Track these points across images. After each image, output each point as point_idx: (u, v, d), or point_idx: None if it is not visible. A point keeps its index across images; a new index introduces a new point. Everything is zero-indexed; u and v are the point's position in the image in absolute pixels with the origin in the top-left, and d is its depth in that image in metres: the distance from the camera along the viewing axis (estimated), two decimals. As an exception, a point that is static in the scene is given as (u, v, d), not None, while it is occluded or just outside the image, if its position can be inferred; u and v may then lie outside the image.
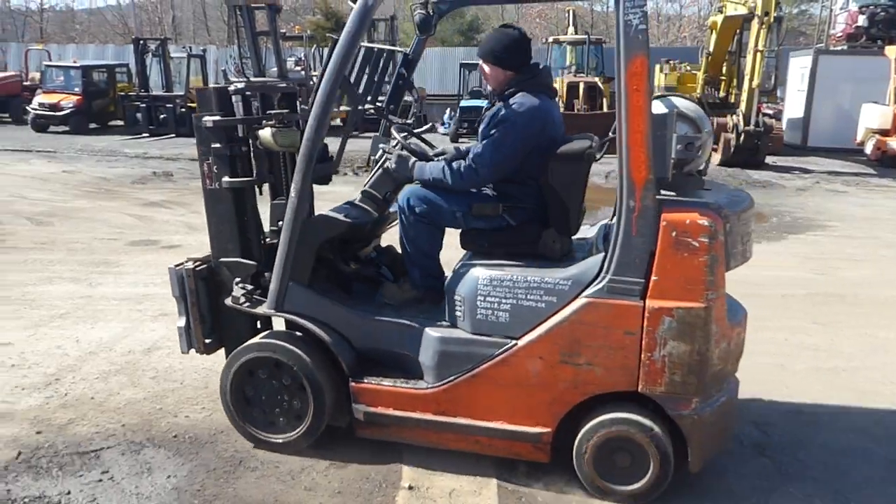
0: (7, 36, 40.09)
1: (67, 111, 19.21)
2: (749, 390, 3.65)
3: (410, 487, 3.06)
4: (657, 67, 19.17)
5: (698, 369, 2.79)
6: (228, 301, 3.30)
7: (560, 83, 17.64)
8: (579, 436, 2.95)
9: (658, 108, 2.84)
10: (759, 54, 13.12)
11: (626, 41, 2.67)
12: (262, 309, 3.22)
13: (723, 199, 2.88)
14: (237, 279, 3.33)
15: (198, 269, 3.34)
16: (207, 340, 3.43)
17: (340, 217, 3.19)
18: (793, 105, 18.90)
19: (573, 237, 3.19)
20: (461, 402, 3.05)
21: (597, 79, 18.00)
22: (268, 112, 3.22)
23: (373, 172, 3.36)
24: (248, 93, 3.31)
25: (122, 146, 16.52)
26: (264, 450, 3.29)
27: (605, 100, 17.33)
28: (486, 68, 3.21)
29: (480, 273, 2.99)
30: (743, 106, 13.87)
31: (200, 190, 3.41)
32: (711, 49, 16.74)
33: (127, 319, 5.05)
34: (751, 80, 13.47)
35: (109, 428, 3.48)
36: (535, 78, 3.16)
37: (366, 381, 3.15)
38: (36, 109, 19.36)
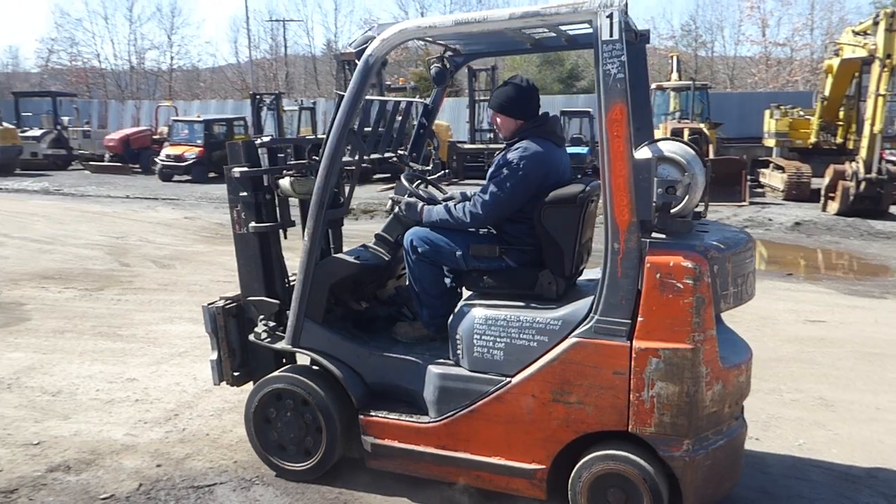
0: (141, 94, 43.89)
1: (190, 161, 20.54)
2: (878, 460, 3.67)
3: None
4: (766, 113, 18.75)
5: (688, 411, 2.80)
6: (252, 337, 3.57)
7: (663, 129, 17.13)
8: (573, 472, 2.99)
9: (643, 153, 2.91)
10: (880, 98, 12.52)
11: (605, 90, 2.77)
12: (281, 344, 3.46)
13: (714, 240, 2.90)
14: (261, 316, 3.59)
15: (227, 307, 3.63)
16: (236, 373, 3.70)
17: (350, 259, 3.41)
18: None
19: (577, 278, 3.28)
20: (461, 436, 3.16)
21: (702, 125, 17.46)
22: (288, 163, 3.50)
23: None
24: (274, 146, 3.61)
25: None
26: (287, 479, 3.49)
27: (711, 146, 16.78)
28: (498, 118, 3.37)
29: (477, 312, 3.13)
30: (863, 152, 13.07)
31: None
32: (827, 93, 16.19)
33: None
34: (872, 125, 12.76)
35: (222, 464, 3.64)
36: (542, 126, 3.31)
37: (373, 414, 3.31)
38: (163, 160, 20.83)
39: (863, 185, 12.97)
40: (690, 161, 2.93)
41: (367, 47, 3.15)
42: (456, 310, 3.24)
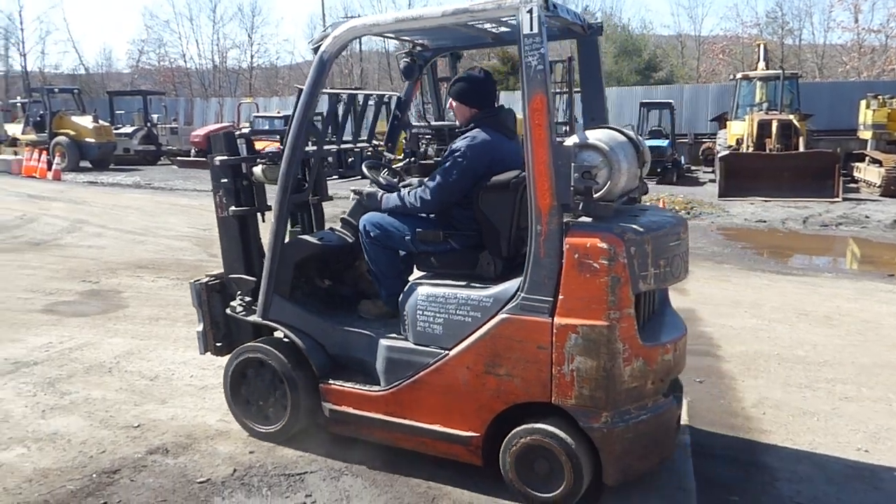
0: (223, 92, 45.73)
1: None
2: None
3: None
4: (862, 103, 17.96)
5: (605, 384, 2.97)
6: (228, 310, 3.90)
7: (749, 121, 16.79)
8: (503, 443, 3.20)
9: (569, 140, 3.08)
10: None
11: (527, 81, 2.95)
12: (252, 317, 3.78)
13: (637, 223, 3.05)
14: (239, 292, 3.92)
15: (210, 283, 3.98)
16: (218, 344, 4.04)
17: (314, 240, 3.70)
18: None
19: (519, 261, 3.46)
20: (406, 404, 3.41)
21: (791, 116, 16.79)
22: (262, 151, 3.81)
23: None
24: (252, 137, 3.92)
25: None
26: (257, 439, 3.79)
27: (801, 139, 16.09)
28: (455, 105, 3.59)
29: (421, 290, 3.36)
30: None
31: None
32: None
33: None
34: None
35: (312, 453, 3.68)
36: (494, 117, 3.51)
37: (332, 382, 3.60)
38: None
39: None
40: (614, 148, 3.07)
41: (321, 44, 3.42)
42: (405, 288, 3.48)
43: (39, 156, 20.35)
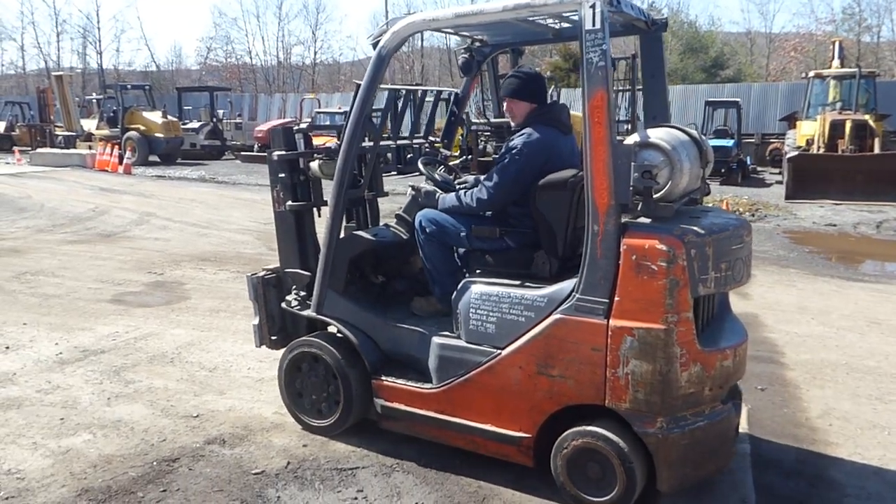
0: (286, 88, 46.68)
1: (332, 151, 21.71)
2: None
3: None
4: None
5: (661, 389, 2.89)
6: (283, 304, 3.95)
7: (821, 121, 16.07)
8: (555, 445, 3.15)
9: (630, 139, 3.01)
10: None
11: (588, 77, 2.89)
12: (307, 312, 3.82)
13: (699, 225, 2.95)
14: (294, 286, 3.97)
15: (267, 277, 4.04)
16: (274, 337, 4.11)
17: (368, 236, 3.72)
18: None
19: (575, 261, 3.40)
20: (458, 402, 3.40)
21: (867, 116, 15.95)
22: (318, 147, 3.85)
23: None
24: (310, 132, 3.96)
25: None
26: (311, 433, 3.84)
27: (876, 140, 15.30)
28: (510, 105, 3.54)
29: (475, 289, 3.34)
30: None
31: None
32: None
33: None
34: None
35: (364, 449, 3.70)
36: (548, 113, 3.47)
37: (384, 378, 3.61)
38: None
39: None
40: (676, 147, 2.98)
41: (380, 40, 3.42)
42: (459, 286, 3.46)
43: (112, 150, 21.11)
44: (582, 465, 3.10)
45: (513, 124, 3.55)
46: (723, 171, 17.47)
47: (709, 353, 2.97)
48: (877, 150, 15.05)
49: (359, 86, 3.50)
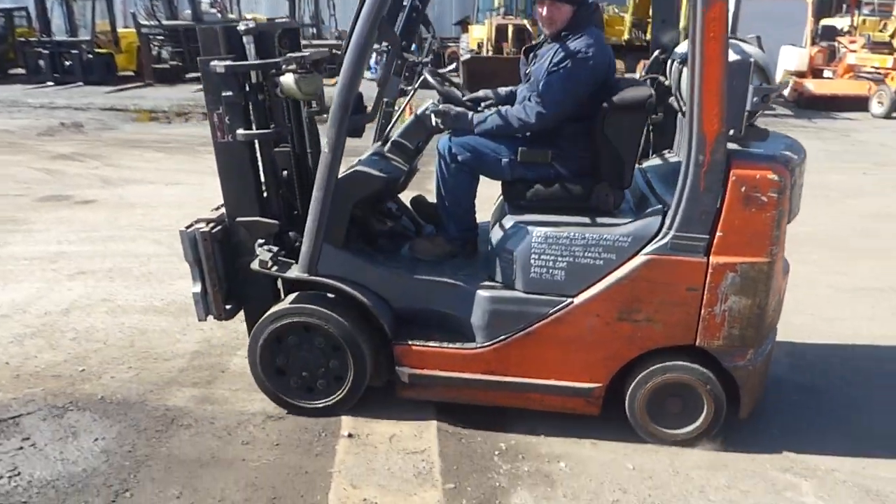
0: None
1: None
2: None
3: (350, 435, 2.98)
4: None
5: (757, 322, 2.80)
6: (255, 265, 3.02)
7: (489, 26, 16.90)
8: (633, 384, 2.94)
9: (731, 56, 2.66)
10: None
11: (704, -16, 2.45)
12: (295, 273, 2.97)
13: (785, 150, 2.80)
14: (259, 240, 3.04)
15: (213, 230, 3.03)
16: (228, 306, 3.17)
17: (376, 172, 2.93)
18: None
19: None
20: (512, 360, 2.97)
21: (525, 21, 16.91)
22: (288, 55, 2.85)
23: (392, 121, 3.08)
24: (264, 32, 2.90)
25: (25, 96, 14.88)
26: (295, 414, 3.13)
27: (533, 42, 16.37)
28: (549, 8, 2.87)
29: (534, 231, 2.84)
30: None
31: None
32: None
33: (41, 279, 4.69)
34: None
35: (28, 393, 3.27)
36: (596, 13, 2.94)
37: (410, 343, 3.00)
38: None
39: None
40: (769, 66, 2.74)
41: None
42: (501, 226, 2.93)
43: None
44: (660, 402, 2.95)
45: (546, 32, 2.94)
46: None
47: (784, 280, 2.95)
48: None
49: None
